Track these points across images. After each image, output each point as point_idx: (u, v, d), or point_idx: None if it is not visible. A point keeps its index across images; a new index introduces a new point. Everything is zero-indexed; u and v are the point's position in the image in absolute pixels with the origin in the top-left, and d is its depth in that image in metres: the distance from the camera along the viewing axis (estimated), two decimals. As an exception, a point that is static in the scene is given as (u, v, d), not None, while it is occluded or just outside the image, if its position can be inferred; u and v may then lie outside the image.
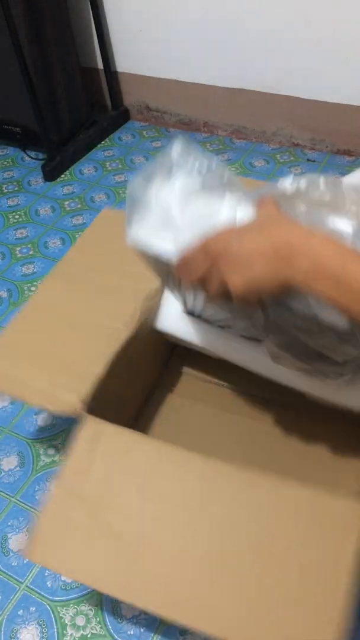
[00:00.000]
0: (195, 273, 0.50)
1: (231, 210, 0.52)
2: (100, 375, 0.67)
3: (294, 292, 0.45)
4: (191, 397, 0.88)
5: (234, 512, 0.55)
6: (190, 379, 0.91)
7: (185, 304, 0.73)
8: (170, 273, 0.60)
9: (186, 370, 0.92)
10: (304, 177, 0.47)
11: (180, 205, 0.55)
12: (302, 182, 0.47)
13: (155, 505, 0.57)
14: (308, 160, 1.51)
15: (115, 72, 1.68)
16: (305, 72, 1.39)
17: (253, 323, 0.62)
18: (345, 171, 1.45)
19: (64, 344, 0.72)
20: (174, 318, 0.76)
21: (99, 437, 0.62)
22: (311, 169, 1.47)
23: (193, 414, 0.85)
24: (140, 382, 0.84)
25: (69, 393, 0.66)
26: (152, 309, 0.76)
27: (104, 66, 1.63)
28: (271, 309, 0.51)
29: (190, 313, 0.74)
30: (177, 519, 0.56)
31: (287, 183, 0.48)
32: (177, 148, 0.58)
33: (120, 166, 1.57)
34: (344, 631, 0.47)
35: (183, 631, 0.71)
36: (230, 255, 0.46)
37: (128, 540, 0.55)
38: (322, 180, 0.47)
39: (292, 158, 1.52)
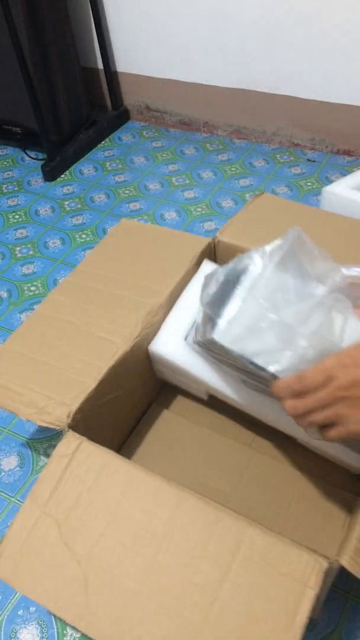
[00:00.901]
0: (311, 402, 0.44)
1: (344, 330, 0.47)
2: (92, 391, 0.67)
3: None
4: (185, 415, 0.86)
5: (196, 549, 0.54)
6: (187, 396, 0.88)
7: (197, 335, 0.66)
8: (250, 376, 0.54)
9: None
10: None
11: (281, 313, 0.49)
12: None
13: (122, 535, 0.56)
14: (308, 160, 1.51)
15: (115, 72, 1.68)
16: (305, 72, 1.39)
17: None
18: (345, 171, 1.45)
19: (61, 356, 0.71)
20: (172, 343, 0.73)
21: (77, 455, 0.61)
22: (311, 169, 1.47)
23: (185, 433, 0.83)
24: (135, 397, 0.82)
25: (58, 407, 0.65)
26: (153, 324, 0.75)
27: (104, 66, 1.63)
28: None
29: (196, 343, 0.69)
30: (139, 551, 0.55)
31: None
32: (287, 241, 0.52)
33: (120, 166, 1.57)
34: None
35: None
36: None
37: (93, 569, 0.54)
38: None
39: (292, 158, 1.52)
